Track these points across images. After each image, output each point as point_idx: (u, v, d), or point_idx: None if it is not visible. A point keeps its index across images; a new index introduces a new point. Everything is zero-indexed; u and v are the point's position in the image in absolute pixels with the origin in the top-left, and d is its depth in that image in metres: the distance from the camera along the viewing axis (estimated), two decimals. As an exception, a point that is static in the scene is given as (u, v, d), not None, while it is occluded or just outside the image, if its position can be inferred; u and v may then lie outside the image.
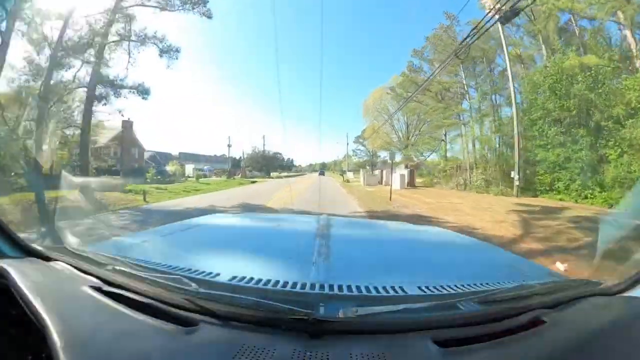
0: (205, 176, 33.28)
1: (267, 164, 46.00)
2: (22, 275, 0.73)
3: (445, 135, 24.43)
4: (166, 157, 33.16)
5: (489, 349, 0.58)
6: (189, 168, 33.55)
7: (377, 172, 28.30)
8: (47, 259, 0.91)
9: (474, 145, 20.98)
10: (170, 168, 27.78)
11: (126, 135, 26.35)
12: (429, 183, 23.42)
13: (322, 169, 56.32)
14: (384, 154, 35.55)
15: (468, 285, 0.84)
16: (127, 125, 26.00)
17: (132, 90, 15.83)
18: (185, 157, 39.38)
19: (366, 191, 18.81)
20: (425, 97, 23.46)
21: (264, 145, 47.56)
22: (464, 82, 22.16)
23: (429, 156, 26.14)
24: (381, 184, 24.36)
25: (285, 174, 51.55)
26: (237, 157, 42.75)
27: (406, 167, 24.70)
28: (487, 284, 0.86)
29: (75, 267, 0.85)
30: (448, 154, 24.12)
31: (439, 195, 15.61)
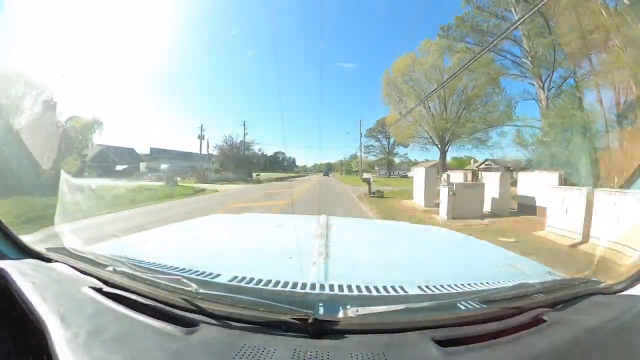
0: (173, 180, 19.08)
1: (248, 163, 31.05)
2: (23, 277, 0.73)
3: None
4: (126, 154, 26.42)
5: (489, 348, 0.58)
6: (142, 166, 26.36)
7: (461, 174, 12.00)
8: (48, 260, 0.91)
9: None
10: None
11: (45, 122, 16.22)
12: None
13: (327, 169, 53.73)
14: (403, 151, 26.05)
15: (468, 284, 0.84)
16: (48, 107, 16.57)
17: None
18: (157, 154, 31.28)
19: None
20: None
21: (244, 134, 30.77)
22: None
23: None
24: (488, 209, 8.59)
25: (276, 175, 36.11)
26: (216, 153, 31.06)
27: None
28: (487, 283, 0.87)
29: (76, 268, 0.85)
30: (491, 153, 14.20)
31: None
